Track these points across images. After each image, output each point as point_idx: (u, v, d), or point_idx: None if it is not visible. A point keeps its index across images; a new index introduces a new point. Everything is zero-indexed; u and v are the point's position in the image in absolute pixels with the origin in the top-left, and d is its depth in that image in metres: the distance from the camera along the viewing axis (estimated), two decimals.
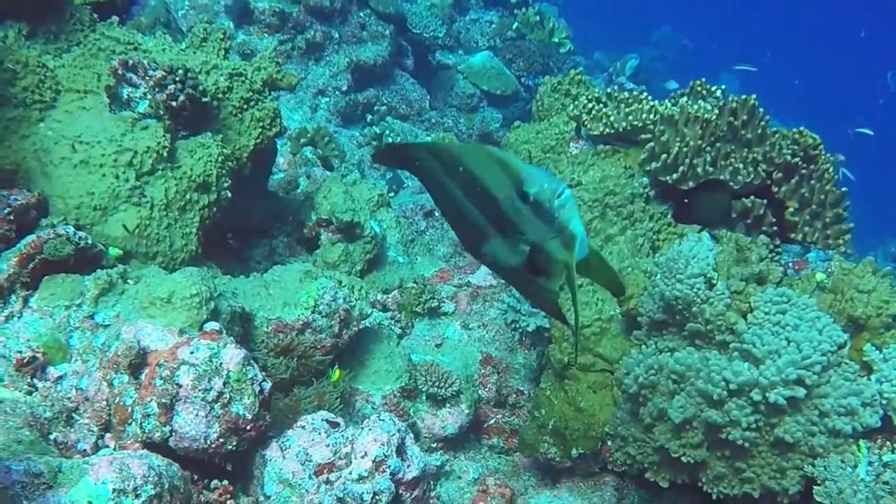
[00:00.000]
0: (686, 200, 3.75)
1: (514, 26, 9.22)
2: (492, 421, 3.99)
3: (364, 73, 7.22)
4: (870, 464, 2.70)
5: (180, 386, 2.67)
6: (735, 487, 2.87)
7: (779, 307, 2.81)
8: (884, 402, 2.75)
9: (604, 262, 1.85)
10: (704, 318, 2.89)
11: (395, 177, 6.20)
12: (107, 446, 2.68)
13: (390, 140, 6.30)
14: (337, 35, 7.18)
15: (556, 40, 9.31)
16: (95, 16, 4.04)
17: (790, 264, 3.98)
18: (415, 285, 4.36)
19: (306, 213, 4.48)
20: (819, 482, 2.69)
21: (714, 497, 2.94)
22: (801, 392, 2.68)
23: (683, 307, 2.93)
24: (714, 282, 2.92)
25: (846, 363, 2.79)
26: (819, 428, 2.72)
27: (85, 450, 2.63)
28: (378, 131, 6.60)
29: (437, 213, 5.13)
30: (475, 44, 9.14)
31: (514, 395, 4.08)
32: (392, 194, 5.85)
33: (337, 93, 6.98)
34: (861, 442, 2.75)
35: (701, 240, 3.37)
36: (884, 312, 2.90)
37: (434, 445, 3.78)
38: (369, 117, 6.89)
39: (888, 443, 2.77)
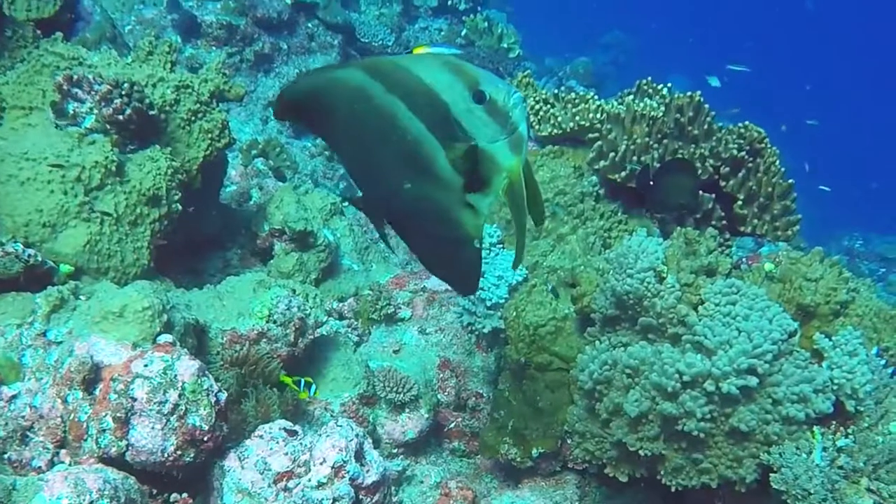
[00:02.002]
0: (651, 182, 3.77)
1: (463, 33, 9.24)
2: (452, 425, 4.00)
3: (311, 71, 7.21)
4: (824, 449, 2.74)
5: (135, 399, 2.65)
6: (693, 479, 2.89)
7: (729, 298, 2.84)
8: (835, 387, 2.79)
9: (532, 180, 1.91)
10: (656, 312, 2.92)
11: (349, 185, 6.19)
12: (62, 462, 2.65)
13: None
14: (286, 46, 7.17)
15: (505, 45, 9.34)
16: (39, 32, 4.01)
17: (744, 259, 4.03)
18: (370, 292, 4.35)
19: (259, 223, 4.47)
20: (775, 469, 2.72)
21: (673, 489, 2.96)
22: (753, 381, 2.71)
23: (635, 301, 2.96)
24: (664, 275, 2.95)
25: (797, 351, 2.83)
26: (773, 416, 2.76)
27: (40, 467, 2.61)
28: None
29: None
30: None
31: (474, 399, 4.09)
32: (346, 204, 5.85)
33: None
34: (815, 428, 2.79)
35: (650, 234, 3.41)
36: (832, 300, 2.95)
37: (395, 451, 3.78)
38: None
39: (841, 428, 2.81)
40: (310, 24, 7.37)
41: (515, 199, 1.84)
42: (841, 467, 2.69)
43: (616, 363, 2.96)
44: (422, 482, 3.76)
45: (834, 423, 2.81)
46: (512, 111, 1.74)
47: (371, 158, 1.90)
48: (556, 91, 4.41)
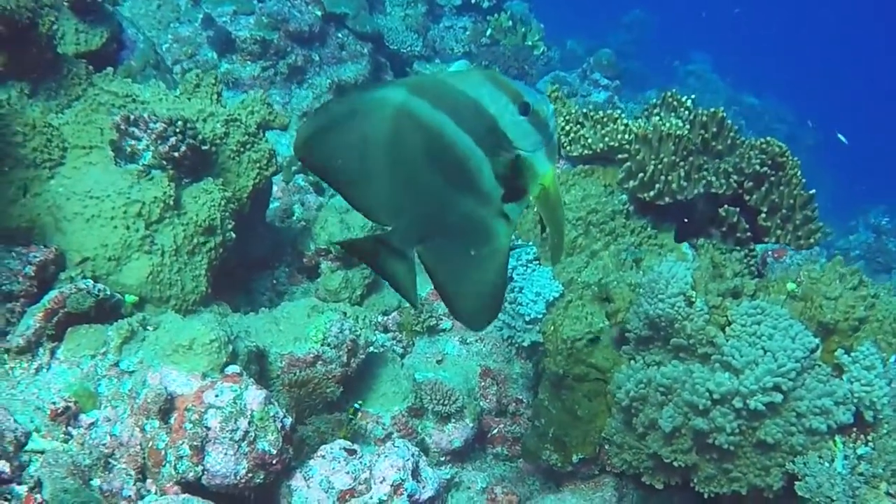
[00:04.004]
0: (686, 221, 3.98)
1: (488, 33, 9.42)
2: (495, 431, 4.22)
3: (346, 92, 7.42)
4: (845, 458, 2.95)
5: (209, 428, 2.90)
6: (724, 486, 3.12)
7: (754, 318, 3.06)
8: (855, 399, 2.99)
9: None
10: (686, 334, 3.14)
11: None
12: (148, 491, 2.89)
13: None
14: (317, 57, 7.39)
15: (530, 43, 9.53)
16: (90, 67, 4.23)
17: (770, 252, 4.23)
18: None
19: (305, 242, 4.71)
20: (800, 478, 2.94)
21: (706, 496, 3.19)
22: (778, 397, 2.93)
23: (666, 324, 3.18)
24: (693, 299, 3.16)
25: (819, 366, 3.04)
26: (797, 428, 2.97)
27: (129, 496, 2.85)
28: None
29: None
30: (451, 51, 9.33)
31: (514, 404, 4.31)
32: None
33: None
34: (836, 437, 3.00)
35: (684, 257, 3.62)
36: (850, 317, 3.16)
37: (443, 459, 4.01)
38: None
39: (862, 436, 3.02)
40: (339, 35, 7.58)
41: (552, 202, 1.97)
42: (861, 474, 2.90)
43: (650, 381, 3.19)
44: (469, 488, 4.00)
45: (854, 431, 3.02)
46: (549, 121, 1.91)
47: (411, 182, 1.92)
48: (584, 110, 4.60)
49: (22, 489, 2.21)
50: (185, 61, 6.96)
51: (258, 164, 4.22)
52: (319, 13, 7.38)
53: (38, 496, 2.20)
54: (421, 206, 1.96)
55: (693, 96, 4.67)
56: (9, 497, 2.13)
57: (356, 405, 3.54)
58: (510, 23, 9.49)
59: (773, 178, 4.11)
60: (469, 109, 1.84)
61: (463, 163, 1.88)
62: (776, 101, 19.98)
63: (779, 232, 4.08)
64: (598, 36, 18.65)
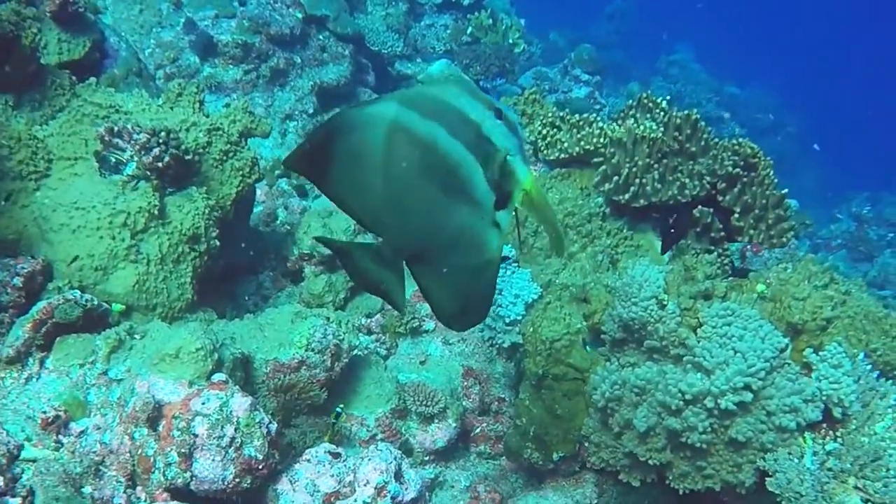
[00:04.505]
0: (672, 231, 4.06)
1: (469, 31, 9.49)
2: (478, 430, 4.31)
3: (328, 94, 7.50)
4: (814, 454, 3.05)
5: (196, 435, 2.97)
6: (698, 483, 3.22)
7: (724, 320, 3.15)
8: (823, 397, 3.10)
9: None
10: (659, 336, 3.23)
11: None
12: (139, 498, 2.97)
13: None
14: (299, 60, 7.45)
15: (511, 41, 9.60)
16: (74, 78, 4.28)
17: (748, 247, 4.33)
18: None
19: (288, 247, 4.79)
20: (770, 474, 3.04)
21: (681, 493, 3.29)
22: (748, 396, 3.03)
23: (640, 327, 3.28)
24: (665, 302, 3.26)
25: (788, 364, 3.14)
26: (767, 426, 3.07)
27: (120, 503, 2.92)
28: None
29: None
30: (432, 49, 9.40)
31: (497, 403, 4.40)
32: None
33: (304, 116, 7.26)
34: (806, 434, 3.10)
35: (659, 258, 3.72)
36: (818, 317, 3.26)
37: (426, 459, 4.10)
38: None
39: (831, 432, 3.12)
40: (321, 37, 7.65)
41: (539, 204, 2.02)
42: (830, 469, 3.00)
43: (625, 383, 3.28)
44: (452, 487, 4.08)
45: (823, 428, 3.12)
46: (518, 127, 1.97)
47: (406, 195, 1.94)
48: (561, 113, 4.69)
49: (16, 501, 2.29)
50: (167, 66, 7.01)
51: (241, 172, 4.29)
52: (300, 16, 7.45)
53: None
54: (416, 219, 1.98)
55: (668, 97, 4.77)
56: None
57: (338, 409, 3.61)
58: (490, 21, 9.56)
59: (745, 179, 4.21)
60: (456, 117, 1.90)
61: (457, 170, 1.91)
62: (759, 90, 20.11)
63: (752, 231, 4.18)
64: (581, 27, 18.72)
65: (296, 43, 7.46)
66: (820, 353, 3.16)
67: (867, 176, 17.39)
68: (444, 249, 2.03)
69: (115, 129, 3.87)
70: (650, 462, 3.27)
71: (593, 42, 13.68)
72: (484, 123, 1.92)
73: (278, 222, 5.36)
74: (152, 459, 3.00)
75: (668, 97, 4.77)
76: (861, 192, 15.06)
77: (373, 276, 2.11)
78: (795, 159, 18.33)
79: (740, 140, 4.33)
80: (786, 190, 4.32)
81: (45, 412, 3.22)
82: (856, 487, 2.98)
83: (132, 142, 3.88)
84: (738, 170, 4.19)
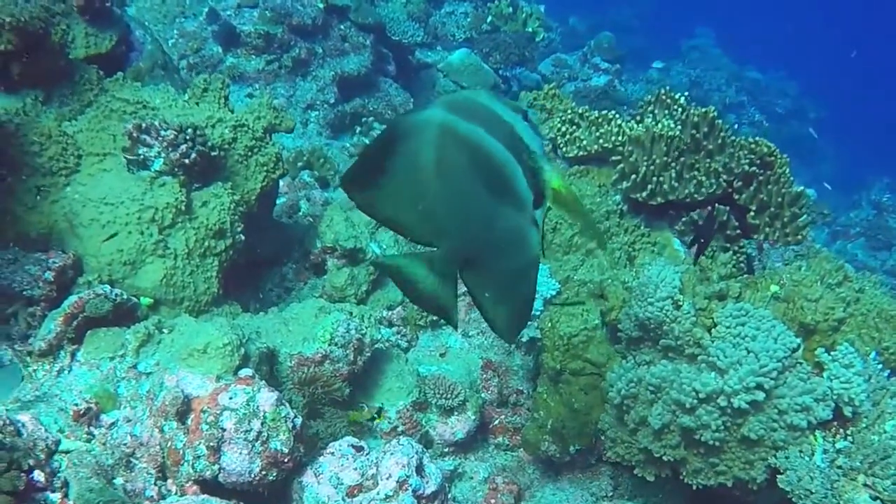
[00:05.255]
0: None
1: (489, 19, 9.53)
2: (496, 421, 4.40)
3: (349, 83, 7.55)
4: (825, 452, 3.12)
5: (224, 429, 3.07)
6: (711, 479, 3.31)
7: (738, 320, 3.22)
8: (834, 396, 3.17)
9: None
10: (674, 335, 3.31)
11: None
12: (169, 491, 3.07)
13: None
14: (321, 50, 7.51)
15: (530, 29, 9.64)
16: (101, 72, 4.37)
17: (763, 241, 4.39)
18: None
19: (311, 240, 4.87)
20: (782, 471, 3.12)
21: (694, 488, 3.38)
22: (760, 396, 3.10)
23: (655, 326, 3.35)
24: (680, 303, 3.33)
25: (800, 364, 3.21)
26: (779, 424, 3.15)
27: (152, 496, 3.03)
28: (367, 141, 6.93)
29: None
30: (452, 37, 9.44)
31: (515, 395, 4.48)
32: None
33: (325, 106, 7.32)
34: (817, 432, 3.17)
35: (676, 255, 3.79)
36: (830, 318, 3.33)
37: (446, 450, 4.19)
38: (358, 129, 7.22)
39: (841, 430, 3.19)
40: (342, 27, 7.70)
41: (570, 200, 2.02)
42: (840, 467, 3.08)
43: (641, 380, 3.36)
44: (472, 478, 4.18)
45: (834, 426, 3.19)
46: (539, 128, 2.02)
47: (458, 199, 1.94)
48: (580, 110, 4.75)
49: (56, 496, 2.39)
50: (191, 56, 7.10)
51: (265, 168, 4.37)
52: (322, 6, 7.51)
53: (69, 502, 2.36)
54: (468, 223, 1.98)
55: (686, 93, 4.82)
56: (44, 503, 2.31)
57: (380, 406, 3.71)
58: (510, 9, 9.60)
59: (761, 178, 4.26)
60: (494, 119, 1.93)
61: (502, 170, 1.94)
62: (780, 75, 20.05)
63: (767, 229, 4.24)
64: (600, 11, 18.70)
65: (317, 33, 7.52)
66: (831, 352, 3.23)
67: (889, 162, 17.33)
68: (495, 250, 2.03)
69: (143, 125, 3.95)
70: (664, 458, 3.35)
71: (613, 26, 13.71)
72: (516, 125, 1.96)
73: (301, 214, 5.44)
74: (182, 452, 3.11)
75: (686, 93, 4.81)
76: (881, 178, 15.00)
77: (428, 290, 2.08)
78: (816, 145, 18.32)
79: (757, 139, 4.39)
80: (802, 188, 4.37)
81: (76, 404, 3.33)
82: (865, 485, 3.06)
83: (160, 138, 3.96)
84: (754, 168, 4.25)
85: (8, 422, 2.74)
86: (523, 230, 2.01)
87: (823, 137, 18.70)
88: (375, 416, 3.71)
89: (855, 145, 20.01)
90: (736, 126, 15.36)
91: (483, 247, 2.02)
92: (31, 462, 2.58)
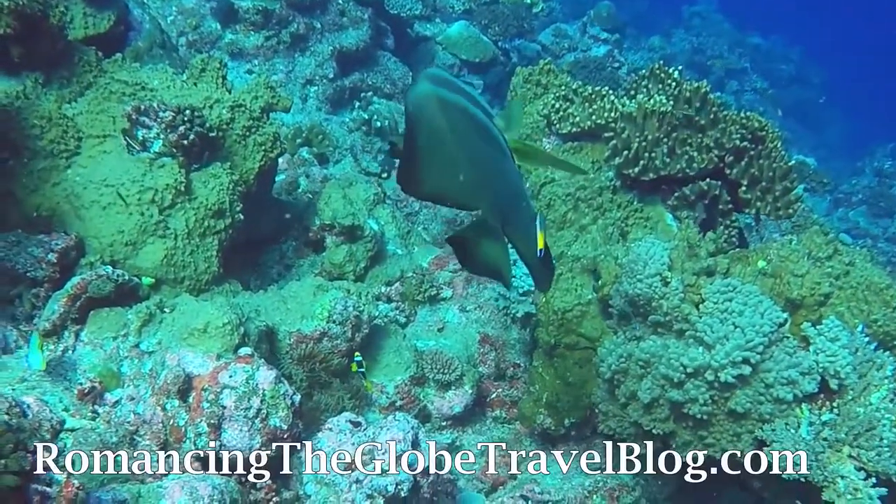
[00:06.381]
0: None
1: None
2: (493, 395, 4.49)
3: (348, 58, 7.57)
4: (810, 424, 3.20)
5: (224, 407, 3.16)
6: (700, 451, 3.39)
7: (726, 296, 3.29)
8: (820, 369, 3.24)
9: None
10: (663, 311, 3.37)
11: (386, 158, 6.59)
12: (171, 468, 3.16)
13: (378, 124, 6.66)
14: (319, 25, 7.52)
15: (529, 1, 9.64)
16: (100, 53, 4.42)
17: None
18: (414, 275, 4.82)
19: (310, 217, 4.93)
20: (768, 443, 3.20)
21: (684, 460, 3.46)
22: (747, 370, 3.17)
23: (644, 302, 3.42)
24: (668, 279, 3.40)
25: (787, 338, 3.28)
26: (765, 398, 3.22)
27: (155, 473, 3.11)
28: (366, 116, 6.97)
29: None
30: (451, 10, 9.43)
31: (512, 369, 4.57)
32: (385, 175, 6.30)
33: (324, 81, 7.35)
34: (803, 405, 3.24)
35: (668, 230, 3.86)
36: (816, 292, 3.39)
37: (444, 424, 4.28)
38: (357, 104, 7.24)
39: (827, 403, 3.27)
40: (340, 1, 7.70)
41: (531, 149, 2.17)
42: (825, 439, 3.15)
43: (631, 356, 3.43)
44: (469, 451, 4.26)
45: (821, 399, 3.27)
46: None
47: (478, 158, 1.96)
48: (574, 86, 4.79)
49: (61, 476, 2.46)
50: (189, 33, 7.12)
51: (263, 147, 4.43)
52: None
53: (75, 481, 2.44)
54: (494, 179, 2.02)
55: (680, 67, 4.86)
56: (50, 482, 2.38)
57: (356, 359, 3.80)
58: None
59: (752, 152, 4.31)
60: (462, 89, 1.96)
61: (490, 129, 1.99)
62: (782, 40, 19.97)
63: (759, 204, 4.29)
64: None
65: (315, 8, 7.54)
66: (817, 326, 3.30)
67: (893, 128, 17.29)
68: (516, 202, 2.09)
69: (142, 107, 4.02)
70: (654, 431, 3.43)
71: None
72: (473, 93, 2.02)
73: (300, 191, 5.49)
74: (183, 430, 3.19)
75: (680, 67, 4.85)
76: (885, 144, 14.99)
77: (486, 255, 2.12)
78: (820, 111, 18.29)
79: (748, 114, 4.43)
80: (793, 161, 4.42)
81: (81, 383, 3.42)
82: (850, 456, 3.13)
83: (158, 120, 4.02)
84: (745, 143, 4.30)
85: (14, 404, 2.80)
86: (521, 182, 2.14)
87: (828, 103, 18.66)
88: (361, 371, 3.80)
89: (859, 111, 19.97)
90: (738, 91, 15.37)
91: (509, 200, 2.07)
92: (37, 442, 2.66)
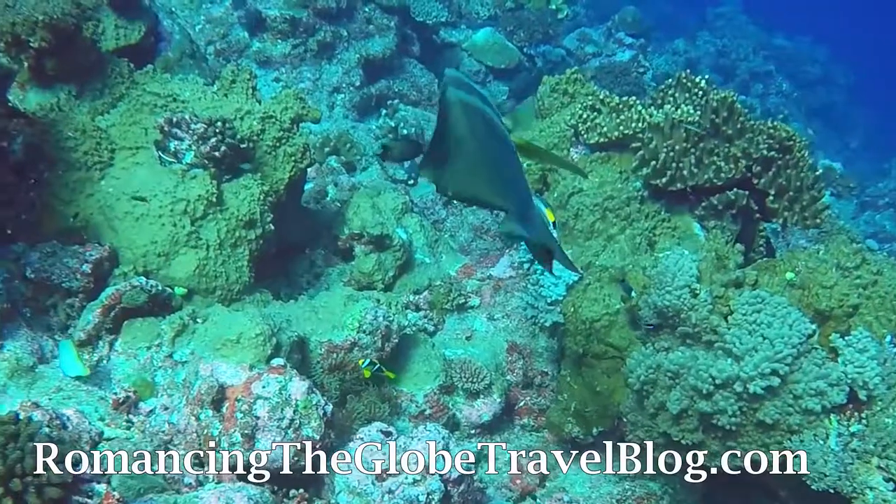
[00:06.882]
0: None
1: None
2: (521, 403, 4.51)
3: (374, 66, 7.62)
4: (839, 435, 3.21)
5: (258, 417, 3.21)
6: (728, 462, 3.41)
7: (754, 307, 3.31)
8: (849, 380, 3.25)
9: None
10: (692, 323, 3.40)
11: (412, 165, 6.62)
12: (206, 477, 3.21)
13: (405, 131, 6.70)
14: (345, 33, 7.57)
15: (554, 7, 9.64)
16: (132, 65, 4.48)
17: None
18: (442, 284, 4.85)
19: (339, 226, 4.97)
20: (796, 454, 3.22)
21: (712, 471, 3.48)
22: (776, 381, 3.19)
23: (673, 314, 3.44)
24: (697, 291, 3.42)
25: (815, 349, 3.29)
26: (794, 409, 3.24)
27: (190, 483, 3.16)
28: (393, 124, 7.01)
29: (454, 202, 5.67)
30: (476, 15, 9.44)
31: (540, 377, 4.59)
32: (412, 182, 6.33)
33: (351, 88, 7.40)
34: (831, 416, 3.26)
35: (696, 240, 3.88)
36: (845, 304, 3.41)
37: (472, 432, 4.31)
38: (383, 111, 7.27)
39: (856, 414, 3.27)
40: (366, 9, 7.75)
41: (532, 147, 2.21)
42: (854, 450, 3.16)
43: (660, 366, 3.46)
44: (497, 459, 4.29)
45: (849, 410, 3.28)
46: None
47: (497, 157, 2.02)
48: (601, 95, 4.80)
49: (101, 486, 2.51)
50: (218, 42, 7.19)
51: (293, 158, 4.47)
52: None
53: (115, 493, 2.49)
54: (515, 176, 2.09)
55: (707, 76, 4.88)
56: (90, 494, 2.43)
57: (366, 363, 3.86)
58: None
59: (780, 162, 4.32)
60: (477, 91, 2.03)
61: (503, 129, 2.06)
62: (808, 41, 19.84)
63: (786, 213, 4.30)
64: None
65: (342, 16, 7.58)
66: (846, 337, 3.31)
67: None
68: (529, 197, 2.16)
69: (175, 119, 4.07)
70: (683, 441, 3.45)
71: None
72: (483, 92, 2.07)
73: (328, 199, 5.53)
74: (217, 439, 3.24)
75: (707, 76, 4.87)
76: None
77: (536, 242, 2.17)
78: (846, 112, 18.16)
79: (776, 123, 4.43)
80: (820, 170, 4.43)
81: (115, 393, 3.48)
82: (879, 467, 3.14)
83: (190, 132, 4.07)
84: (773, 153, 4.31)
85: (54, 416, 2.87)
86: (525, 176, 2.19)
87: (854, 104, 18.52)
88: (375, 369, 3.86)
89: (886, 112, 19.80)
90: (763, 95, 15.31)
91: (528, 196, 2.15)
92: (77, 454, 2.71)
